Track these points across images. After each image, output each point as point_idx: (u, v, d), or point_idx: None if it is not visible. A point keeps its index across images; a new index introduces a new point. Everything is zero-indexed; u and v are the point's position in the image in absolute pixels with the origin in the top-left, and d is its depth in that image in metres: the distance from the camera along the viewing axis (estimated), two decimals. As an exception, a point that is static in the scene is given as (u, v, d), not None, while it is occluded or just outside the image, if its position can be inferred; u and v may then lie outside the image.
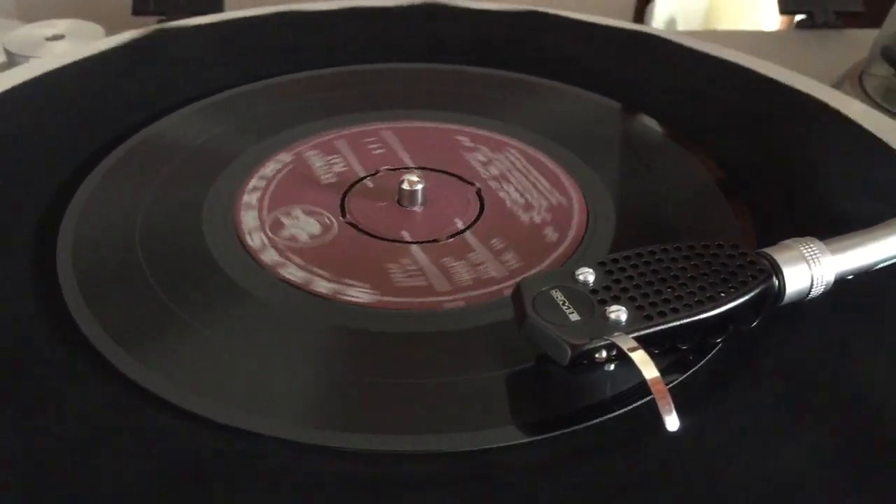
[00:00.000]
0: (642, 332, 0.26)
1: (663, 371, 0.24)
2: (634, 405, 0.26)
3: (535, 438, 0.25)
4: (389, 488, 0.24)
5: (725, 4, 0.84)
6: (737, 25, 0.83)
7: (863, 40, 0.55)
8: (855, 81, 0.51)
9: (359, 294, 0.30)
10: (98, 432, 0.25)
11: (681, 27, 0.83)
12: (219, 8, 0.57)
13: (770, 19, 0.81)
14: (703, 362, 0.27)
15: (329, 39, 0.49)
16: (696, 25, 0.83)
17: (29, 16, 0.70)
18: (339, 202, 0.36)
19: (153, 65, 0.45)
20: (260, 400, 0.26)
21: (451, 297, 0.31)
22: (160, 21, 0.55)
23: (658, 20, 0.83)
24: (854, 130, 0.40)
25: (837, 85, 0.51)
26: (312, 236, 0.34)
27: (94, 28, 0.54)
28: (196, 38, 0.48)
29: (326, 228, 0.34)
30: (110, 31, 0.53)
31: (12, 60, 0.51)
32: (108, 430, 0.25)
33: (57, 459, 0.24)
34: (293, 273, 0.31)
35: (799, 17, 0.63)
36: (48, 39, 0.52)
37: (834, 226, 0.30)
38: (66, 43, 0.52)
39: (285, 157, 0.38)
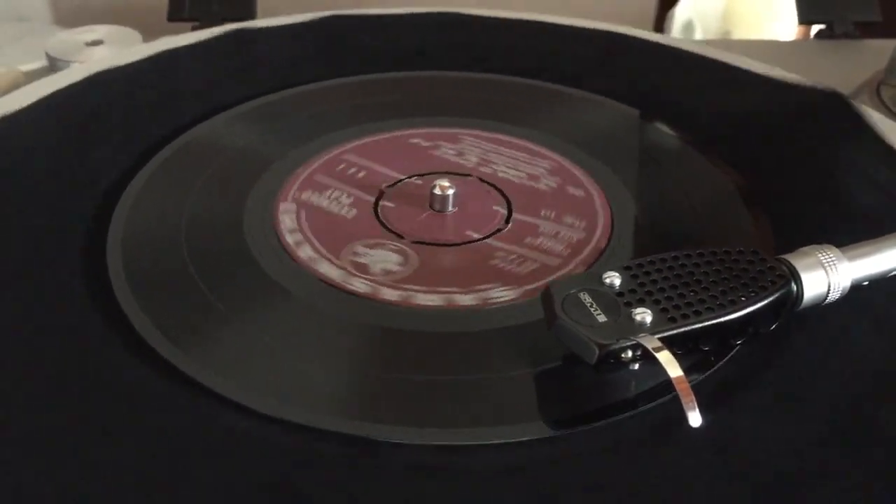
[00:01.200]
0: (666, 334, 0.27)
1: (686, 370, 0.26)
2: (657, 402, 0.27)
3: (562, 433, 0.27)
4: (408, 476, 0.25)
5: (743, 12, 0.85)
6: (755, 33, 0.84)
7: (881, 50, 0.56)
8: (872, 92, 0.52)
9: (398, 294, 0.32)
10: (140, 416, 0.27)
11: (698, 34, 0.84)
12: (252, 15, 0.58)
13: (787, 28, 0.81)
14: (723, 362, 0.29)
15: (377, 44, 0.51)
16: (713, 32, 0.84)
17: (64, 21, 0.72)
18: (374, 205, 0.37)
19: (195, 71, 0.47)
20: (291, 389, 0.28)
21: (472, 296, 0.32)
22: (194, 27, 0.57)
23: (677, 27, 0.84)
24: (874, 139, 0.41)
25: (855, 95, 0.52)
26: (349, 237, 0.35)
27: (132, 34, 0.55)
28: (245, 43, 0.50)
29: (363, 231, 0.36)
30: (147, 36, 0.55)
31: (54, 65, 0.52)
32: (150, 413, 0.27)
33: (100, 442, 0.26)
34: (330, 272, 0.33)
35: (817, 28, 0.64)
36: (87, 45, 0.54)
37: (850, 234, 0.31)
38: (105, 48, 0.53)
39: (325, 158, 0.40)
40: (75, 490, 0.24)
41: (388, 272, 0.33)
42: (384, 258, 0.34)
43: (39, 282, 0.32)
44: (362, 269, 0.33)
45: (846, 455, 0.26)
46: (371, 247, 0.35)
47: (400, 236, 0.35)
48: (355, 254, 0.34)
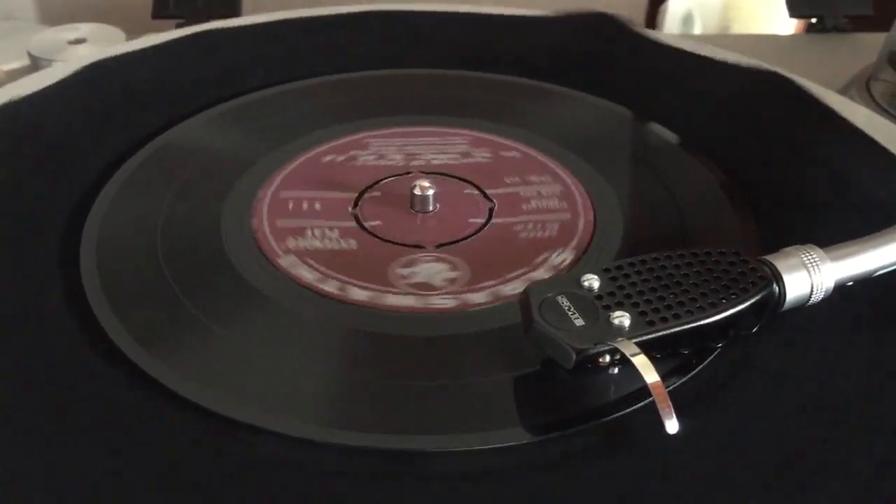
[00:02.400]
0: (645, 337, 0.26)
1: (665, 375, 0.25)
2: (635, 407, 0.27)
3: (537, 439, 0.26)
4: (396, 484, 0.25)
5: (744, 7, 0.85)
6: (755, 28, 0.83)
7: (872, 44, 0.55)
8: (862, 86, 0.51)
9: (369, 296, 0.31)
10: (114, 426, 0.26)
11: (696, 29, 0.83)
12: (236, 13, 0.58)
13: (786, 22, 0.81)
14: (703, 366, 0.28)
15: (350, 45, 0.50)
16: (712, 27, 0.84)
17: (48, 19, 0.72)
18: (353, 206, 0.37)
19: (175, 69, 0.47)
20: (270, 397, 0.27)
21: (454, 299, 0.31)
22: (179, 25, 0.57)
23: (672, 22, 0.83)
24: (859, 137, 0.40)
25: (844, 90, 0.51)
26: (326, 239, 0.35)
27: (115, 32, 0.55)
28: (219, 41, 0.49)
29: (341, 231, 0.35)
30: (130, 34, 0.55)
31: (36, 64, 0.52)
32: (124, 423, 0.26)
33: (73, 449, 0.25)
34: (307, 275, 0.32)
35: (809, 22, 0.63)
36: (70, 43, 0.53)
37: (838, 233, 0.30)
38: (88, 46, 0.53)
39: (304, 159, 0.39)
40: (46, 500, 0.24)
41: (447, 281, 0.32)
42: (436, 271, 0.33)
43: (12, 287, 0.32)
44: (293, 231, 0.34)
45: (830, 457, 0.25)
46: (323, 218, 0.35)
47: (421, 247, 0.34)
48: (303, 218, 0.35)
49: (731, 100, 0.44)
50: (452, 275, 0.33)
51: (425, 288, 0.32)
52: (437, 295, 0.32)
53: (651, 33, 0.51)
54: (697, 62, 0.48)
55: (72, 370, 0.28)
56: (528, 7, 0.54)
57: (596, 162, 0.40)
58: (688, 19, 0.84)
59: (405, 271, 0.33)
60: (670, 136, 0.42)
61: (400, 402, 0.27)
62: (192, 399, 0.27)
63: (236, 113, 0.43)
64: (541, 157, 0.40)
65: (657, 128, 0.43)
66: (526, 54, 0.49)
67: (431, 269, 0.33)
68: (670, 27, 0.83)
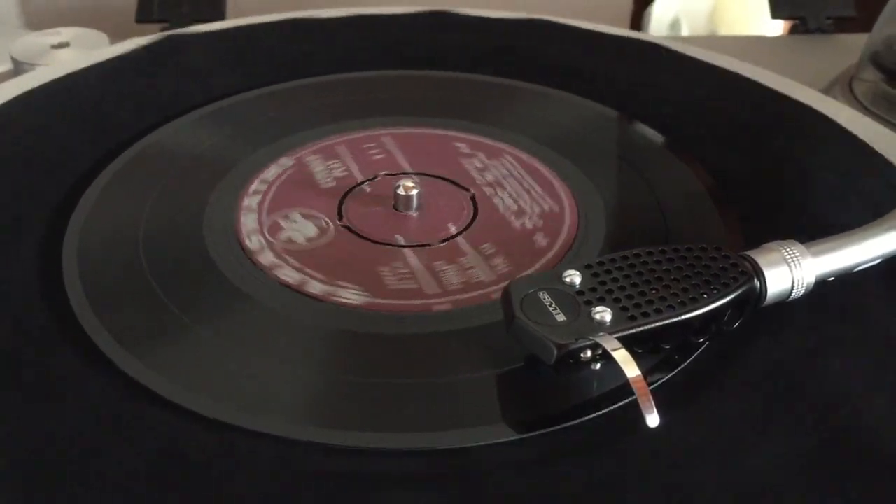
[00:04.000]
0: (626, 333, 0.26)
1: (648, 371, 0.25)
2: (618, 405, 0.27)
3: (520, 437, 0.26)
4: (377, 484, 0.25)
5: (731, 11, 0.85)
6: (739, 30, 0.84)
7: (854, 45, 0.56)
8: (845, 86, 0.51)
9: (351, 296, 0.31)
10: (98, 429, 0.26)
11: (684, 32, 0.83)
12: (221, 16, 0.58)
13: (773, 24, 0.81)
14: (687, 362, 0.28)
15: (331, 47, 0.50)
16: (698, 29, 0.84)
17: (33, 24, 0.72)
18: (337, 206, 0.37)
19: (157, 73, 0.46)
20: (253, 397, 0.27)
21: (440, 300, 0.31)
22: (163, 29, 0.56)
23: (658, 24, 0.84)
24: (842, 136, 0.40)
25: (827, 90, 0.52)
26: (309, 239, 0.34)
27: (99, 36, 0.55)
28: (200, 45, 0.49)
29: (323, 231, 0.35)
30: (114, 38, 0.54)
31: (18, 68, 0.52)
32: (108, 427, 0.26)
33: (57, 454, 0.25)
34: (288, 275, 0.32)
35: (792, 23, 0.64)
36: (53, 47, 0.53)
37: (821, 230, 0.30)
38: (71, 51, 0.53)
39: (286, 161, 0.39)
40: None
41: (290, 241, 0.33)
42: (302, 228, 0.35)
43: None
44: (275, 230, 0.35)
45: (813, 462, 0.25)
46: (306, 217, 0.35)
47: (404, 246, 0.34)
48: (286, 218, 0.35)
49: (714, 101, 0.45)
50: (484, 277, 0.33)
51: (409, 286, 0.32)
52: (421, 294, 0.32)
53: (631, 34, 0.51)
54: (682, 63, 0.48)
55: (53, 372, 0.28)
56: (512, 9, 0.54)
57: (580, 161, 0.40)
58: (675, 24, 0.85)
59: (389, 270, 0.33)
60: (654, 137, 0.42)
61: (382, 400, 0.27)
62: (174, 400, 0.27)
63: (218, 116, 0.43)
64: (526, 158, 0.40)
65: (641, 128, 0.43)
66: (508, 55, 0.50)
67: (414, 268, 0.33)
68: (658, 30, 0.83)
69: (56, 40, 0.54)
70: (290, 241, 0.34)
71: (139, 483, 0.24)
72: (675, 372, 0.28)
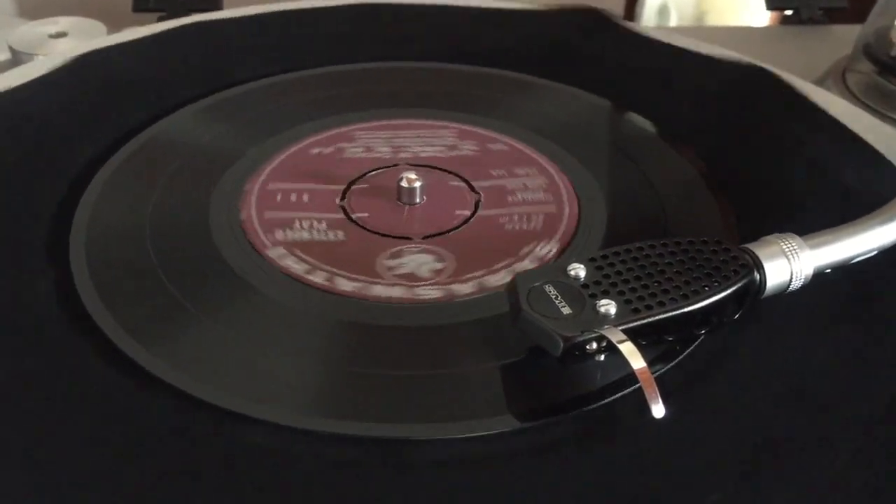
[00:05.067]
0: (630, 325, 0.27)
1: (651, 361, 0.26)
2: (621, 394, 0.27)
3: (525, 426, 0.27)
4: (384, 472, 0.25)
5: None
6: (729, 16, 0.84)
7: (847, 36, 0.56)
8: (838, 78, 0.52)
9: (358, 287, 0.32)
10: (107, 417, 0.26)
11: (672, 19, 0.84)
12: (217, 6, 0.58)
13: (760, 10, 0.82)
14: (687, 352, 0.29)
15: (330, 37, 0.50)
16: (687, 17, 0.84)
17: (28, 12, 0.71)
18: (341, 197, 0.37)
19: (161, 62, 0.47)
20: (260, 387, 0.28)
21: (437, 289, 0.32)
22: (161, 18, 0.57)
23: (649, 13, 0.84)
24: (836, 128, 0.41)
25: (821, 81, 0.52)
26: (315, 231, 0.35)
27: (96, 25, 0.55)
28: (200, 35, 0.49)
29: (328, 223, 0.35)
30: (112, 28, 0.54)
31: (17, 58, 0.52)
32: (117, 415, 0.27)
33: (65, 443, 0.25)
34: (294, 266, 0.33)
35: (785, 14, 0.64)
36: (51, 37, 0.53)
37: (816, 221, 0.31)
38: (69, 40, 0.53)
39: (289, 153, 0.40)
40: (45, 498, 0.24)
41: (434, 272, 0.33)
42: (308, 221, 0.35)
43: (0, 283, 0.32)
44: (281, 223, 0.35)
45: (808, 443, 0.26)
46: (311, 209, 0.36)
47: (408, 238, 0.35)
48: (290, 210, 0.36)
49: (711, 92, 0.45)
50: (439, 266, 0.33)
51: (412, 279, 0.33)
52: (424, 286, 0.32)
53: (633, 26, 0.52)
54: (679, 55, 0.48)
55: (62, 362, 0.29)
56: (515, 1, 0.54)
57: (580, 154, 0.40)
58: (663, 10, 0.85)
59: (392, 262, 0.33)
60: (652, 128, 0.43)
61: (387, 391, 0.28)
62: (182, 388, 0.27)
63: (223, 106, 0.43)
64: (526, 150, 0.41)
65: (640, 120, 0.43)
66: (511, 47, 0.50)
67: (418, 260, 0.34)
68: (648, 19, 0.84)
69: (54, 29, 0.54)
70: (295, 232, 0.35)
71: (146, 471, 0.25)
72: (676, 361, 0.29)
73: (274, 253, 0.34)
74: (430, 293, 0.32)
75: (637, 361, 0.25)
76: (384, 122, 0.42)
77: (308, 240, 0.34)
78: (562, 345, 0.27)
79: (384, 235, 0.35)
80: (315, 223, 0.35)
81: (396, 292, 0.32)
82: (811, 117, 0.42)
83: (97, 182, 0.37)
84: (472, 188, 0.38)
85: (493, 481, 0.25)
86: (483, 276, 0.33)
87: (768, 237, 0.30)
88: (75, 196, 0.36)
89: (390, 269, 0.33)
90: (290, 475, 0.25)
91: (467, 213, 0.36)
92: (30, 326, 0.30)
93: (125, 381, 0.28)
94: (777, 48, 0.59)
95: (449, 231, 0.35)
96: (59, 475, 0.25)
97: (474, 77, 0.47)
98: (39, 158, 0.39)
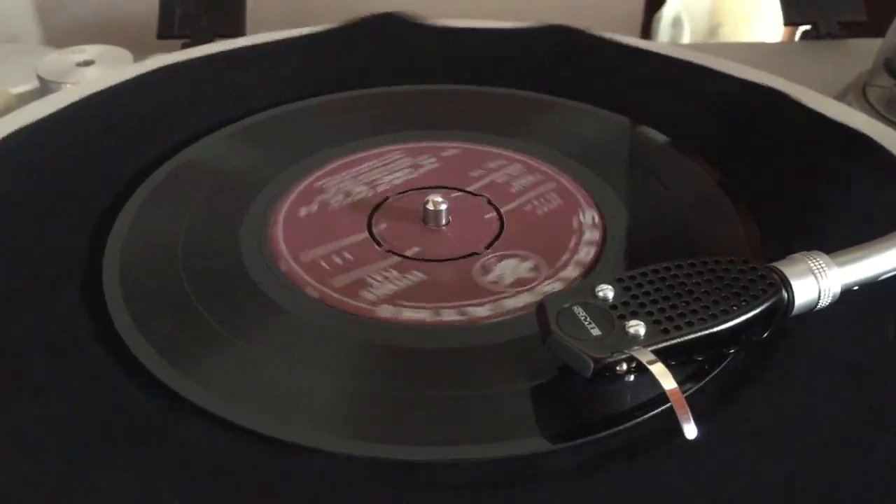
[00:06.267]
0: (660, 346, 0.27)
1: (681, 382, 0.26)
2: (652, 413, 0.27)
3: (559, 447, 0.27)
4: (418, 495, 0.26)
5: (732, 7, 0.85)
6: (743, 28, 0.84)
7: (866, 50, 0.56)
8: (859, 92, 0.52)
9: (482, 309, 0.32)
10: (138, 440, 0.27)
11: (685, 32, 0.84)
12: (241, 31, 0.59)
13: (773, 22, 0.82)
14: (717, 371, 0.29)
15: (354, 61, 0.51)
16: (702, 29, 0.84)
17: (53, 41, 0.72)
18: (367, 220, 0.37)
19: (187, 89, 0.47)
20: (293, 410, 0.28)
21: (471, 311, 0.32)
22: (185, 45, 0.57)
23: (665, 25, 0.84)
24: (861, 143, 0.41)
25: (841, 96, 0.52)
26: (342, 253, 0.35)
27: (123, 53, 0.56)
28: (226, 62, 0.50)
29: (354, 245, 0.36)
30: (137, 55, 0.55)
31: (45, 87, 0.52)
32: (148, 438, 0.27)
33: (97, 465, 0.26)
34: (320, 289, 0.33)
35: (803, 29, 0.64)
36: (79, 65, 0.54)
37: (841, 237, 0.31)
38: (97, 68, 0.54)
39: (316, 178, 0.40)
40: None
41: (532, 270, 0.34)
42: (513, 266, 0.35)
43: (35, 303, 0.32)
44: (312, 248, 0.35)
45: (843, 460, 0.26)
46: (343, 235, 0.37)
47: (474, 253, 0.35)
48: (321, 236, 0.36)
49: (731, 108, 0.45)
50: (529, 264, 0.34)
51: (521, 283, 0.34)
52: (536, 286, 0.33)
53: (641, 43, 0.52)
54: (698, 72, 0.49)
55: (93, 383, 0.29)
56: (517, 20, 0.55)
57: (601, 171, 0.41)
58: (676, 23, 0.85)
59: (490, 277, 0.34)
60: (673, 146, 0.43)
61: (425, 412, 0.28)
62: (213, 411, 0.28)
63: (251, 131, 0.44)
64: (544, 168, 0.41)
65: (659, 136, 0.44)
66: (517, 66, 0.50)
67: (509, 266, 0.34)
68: (664, 33, 0.84)
69: (81, 58, 0.55)
70: (324, 255, 0.35)
71: (178, 493, 0.25)
72: (706, 381, 0.29)
73: (301, 278, 0.34)
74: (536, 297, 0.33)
75: (668, 382, 0.26)
76: (411, 146, 0.43)
77: (337, 263, 0.35)
78: (592, 366, 0.27)
79: (409, 258, 0.35)
80: (344, 245, 0.36)
81: (525, 300, 0.33)
82: (835, 133, 0.42)
83: (129, 208, 0.38)
84: (492, 205, 0.38)
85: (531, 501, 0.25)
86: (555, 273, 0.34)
87: (795, 255, 0.30)
88: (109, 220, 0.37)
89: (494, 282, 0.34)
90: (327, 499, 0.25)
91: (494, 215, 0.38)
92: (63, 350, 0.30)
93: (157, 404, 0.28)
94: (796, 63, 0.59)
95: (499, 236, 0.36)
96: (91, 499, 0.25)
97: (497, 99, 0.48)
98: (74, 184, 0.39)
